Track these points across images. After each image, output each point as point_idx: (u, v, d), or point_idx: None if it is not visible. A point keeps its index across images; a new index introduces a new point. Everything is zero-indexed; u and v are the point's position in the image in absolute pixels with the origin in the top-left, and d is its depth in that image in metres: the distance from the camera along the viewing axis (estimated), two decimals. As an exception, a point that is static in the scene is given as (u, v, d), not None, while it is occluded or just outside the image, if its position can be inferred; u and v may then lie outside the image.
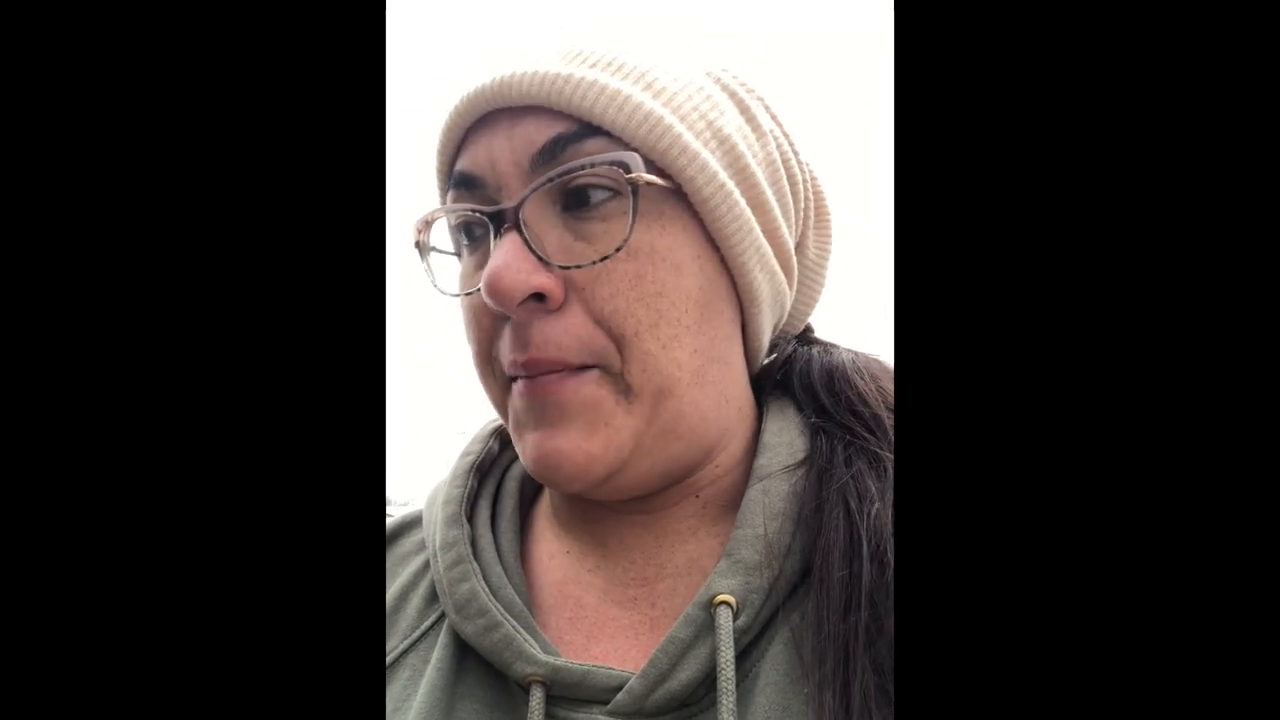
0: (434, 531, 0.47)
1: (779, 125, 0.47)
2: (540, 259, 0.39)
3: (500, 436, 0.52)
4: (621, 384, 0.40)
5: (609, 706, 0.38)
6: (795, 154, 0.47)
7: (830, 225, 0.50)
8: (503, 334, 0.41)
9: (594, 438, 0.40)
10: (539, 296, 0.39)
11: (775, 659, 0.39)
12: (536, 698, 0.39)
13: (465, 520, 0.46)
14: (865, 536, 0.39)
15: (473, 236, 0.43)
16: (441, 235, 0.47)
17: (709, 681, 0.38)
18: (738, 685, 0.38)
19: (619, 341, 0.39)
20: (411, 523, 0.53)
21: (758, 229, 0.43)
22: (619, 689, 0.39)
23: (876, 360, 0.48)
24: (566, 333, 0.39)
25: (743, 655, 0.39)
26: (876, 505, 0.39)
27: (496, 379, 0.43)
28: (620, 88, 0.40)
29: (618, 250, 0.39)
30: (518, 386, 0.41)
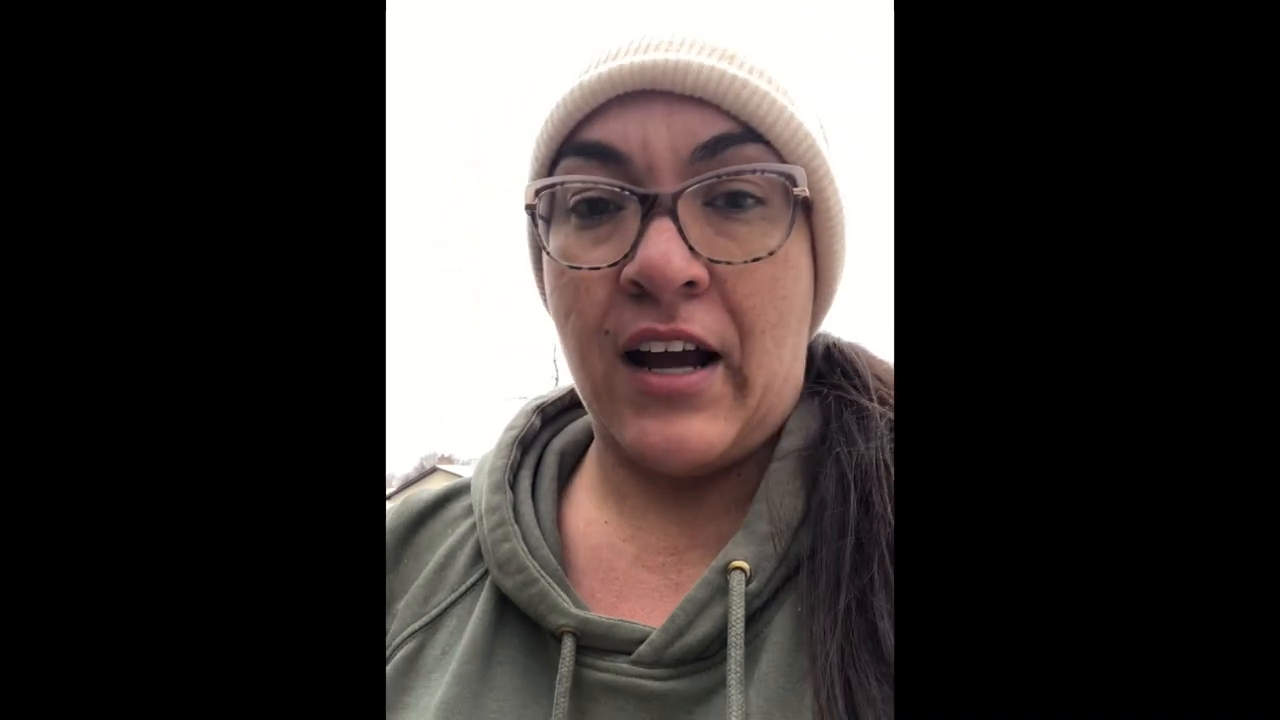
0: (480, 496, 0.52)
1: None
2: (691, 249, 0.41)
3: (542, 413, 0.57)
4: (740, 378, 0.44)
5: (632, 656, 0.43)
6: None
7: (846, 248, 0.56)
8: (618, 308, 0.43)
9: (714, 427, 0.44)
10: (689, 283, 0.42)
11: (782, 622, 0.44)
12: (568, 646, 0.44)
13: (509, 488, 0.51)
14: (852, 476, 0.44)
15: (597, 211, 0.44)
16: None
17: (722, 638, 0.43)
18: (748, 643, 0.43)
19: (746, 335, 0.43)
20: (460, 489, 0.58)
21: (846, 245, 0.48)
22: (641, 641, 0.44)
23: (868, 350, 0.54)
24: (707, 315, 0.42)
25: (754, 617, 0.44)
26: (859, 448, 0.45)
27: (604, 351, 0.44)
28: (781, 101, 0.43)
29: (770, 254, 0.42)
30: (646, 375, 0.43)
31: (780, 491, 0.46)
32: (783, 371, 0.46)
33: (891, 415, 0.47)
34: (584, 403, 0.49)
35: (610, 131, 0.43)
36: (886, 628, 0.39)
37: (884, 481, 0.44)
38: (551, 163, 0.46)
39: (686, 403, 0.43)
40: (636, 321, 0.42)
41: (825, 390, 0.50)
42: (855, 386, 0.49)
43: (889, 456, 0.45)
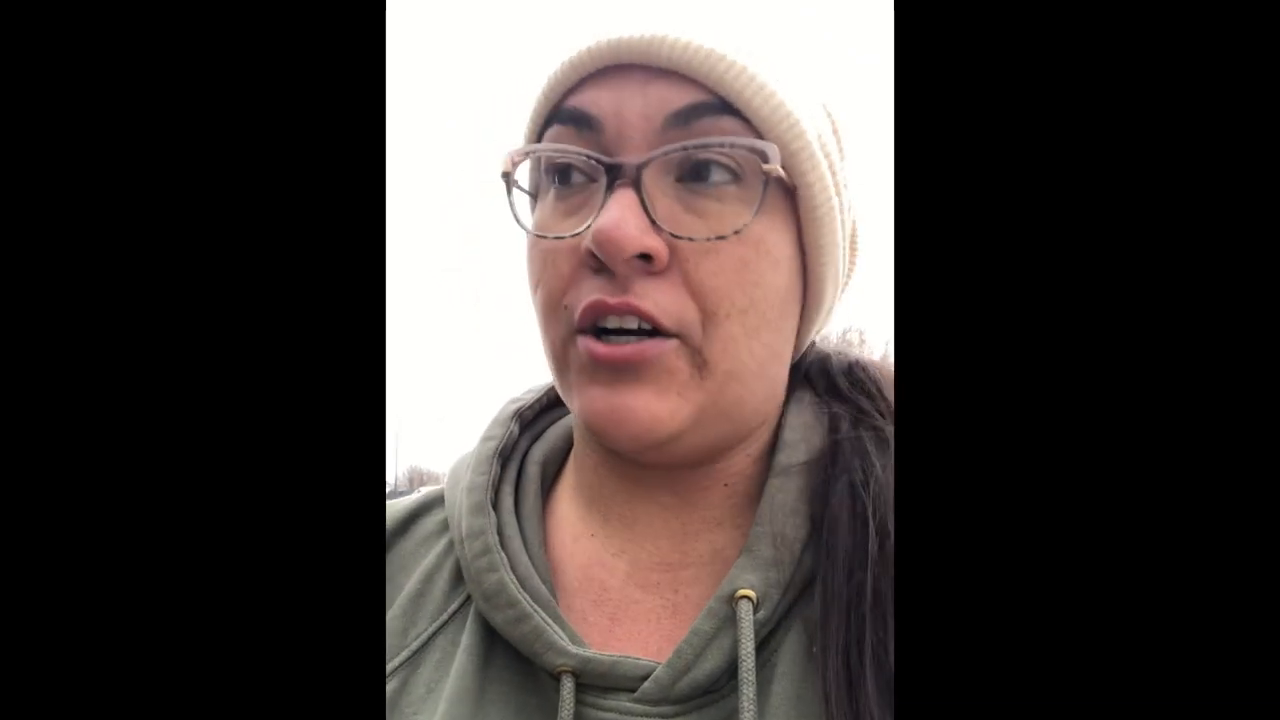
0: (459, 517, 0.48)
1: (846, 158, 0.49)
2: (652, 221, 0.40)
3: (520, 419, 0.53)
4: (699, 359, 0.41)
5: (636, 694, 0.40)
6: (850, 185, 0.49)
7: (858, 255, 0.52)
8: (580, 282, 0.41)
9: (663, 402, 0.41)
10: (645, 257, 0.40)
11: (792, 647, 0.41)
12: (567, 688, 0.41)
13: (491, 508, 0.47)
14: (869, 508, 0.41)
15: (568, 181, 0.43)
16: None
17: (730, 670, 0.40)
18: (758, 673, 0.40)
19: (709, 318, 0.40)
20: (433, 503, 0.54)
21: (841, 242, 0.45)
22: (644, 677, 0.40)
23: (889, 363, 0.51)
24: (665, 293, 0.40)
25: (762, 645, 0.41)
26: (877, 475, 0.42)
27: (562, 326, 0.43)
28: (766, 80, 0.41)
29: (736, 233, 0.40)
30: (592, 343, 0.41)
31: (784, 511, 0.43)
32: (754, 364, 0.42)
33: None
34: (554, 380, 0.46)
35: (588, 100, 0.42)
36: None
37: None
38: (539, 135, 0.44)
39: (633, 372, 0.40)
40: (591, 294, 0.41)
41: (836, 406, 0.47)
42: (879, 410, 0.46)
43: None
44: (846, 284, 0.52)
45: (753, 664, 0.39)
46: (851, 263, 0.52)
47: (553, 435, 0.53)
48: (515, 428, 0.52)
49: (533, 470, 0.51)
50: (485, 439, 0.51)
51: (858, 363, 0.50)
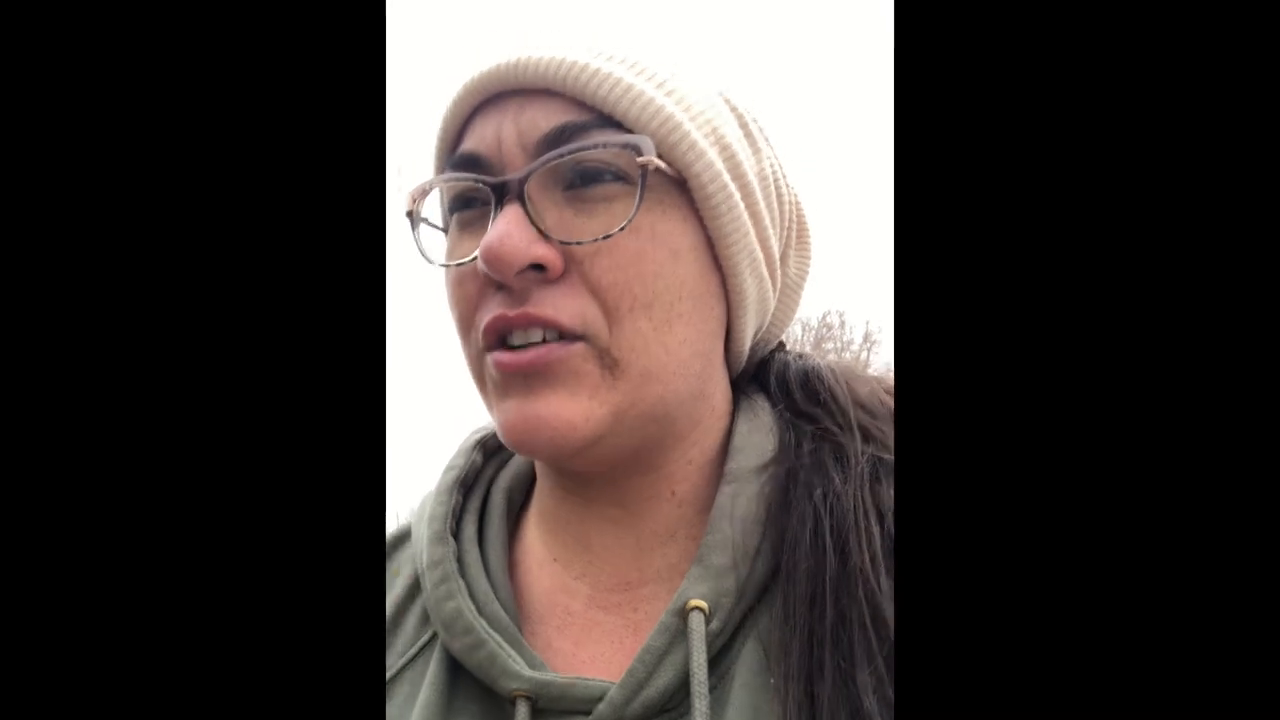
0: (421, 549, 0.48)
1: (771, 148, 0.49)
2: (541, 232, 0.40)
3: (484, 448, 0.53)
4: (608, 359, 0.41)
5: (591, 717, 0.40)
6: (783, 176, 0.49)
7: (810, 247, 0.52)
8: (484, 302, 0.42)
9: (575, 407, 0.40)
10: (538, 268, 0.40)
11: (748, 659, 0.40)
12: (522, 712, 0.40)
13: (451, 537, 0.47)
14: (828, 528, 0.40)
15: (468, 208, 0.44)
16: (432, 212, 0.48)
17: (686, 687, 0.39)
18: (714, 688, 0.39)
19: (612, 315, 0.40)
20: (402, 538, 0.54)
21: (752, 232, 0.44)
22: (600, 698, 0.40)
23: (854, 366, 0.50)
24: (564, 298, 0.40)
25: (718, 658, 0.41)
26: (838, 495, 0.41)
27: (474, 347, 0.43)
28: (634, 82, 0.41)
29: (621, 229, 0.40)
30: (498, 354, 0.41)
31: (734, 518, 0.42)
32: (671, 362, 0.42)
33: (874, 451, 0.43)
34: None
35: (473, 140, 0.43)
36: (872, 707, 0.35)
37: (863, 529, 0.40)
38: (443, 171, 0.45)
39: (542, 379, 0.40)
40: (495, 309, 0.41)
41: (792, 419, 0.46)
42: (837, 422, 0.45)
43: (868, 497, 0.41)
44: (797, 276, 0.51)
45: (704, 676, 0.39)
46: (796, 251, 0.51)
47: (518, 462, 0.53)
48: (478, 457, 0.52)
49: (498, 498, 0.51)
50: (447, 469, 0.51)
51: (814, 371, 0.49)
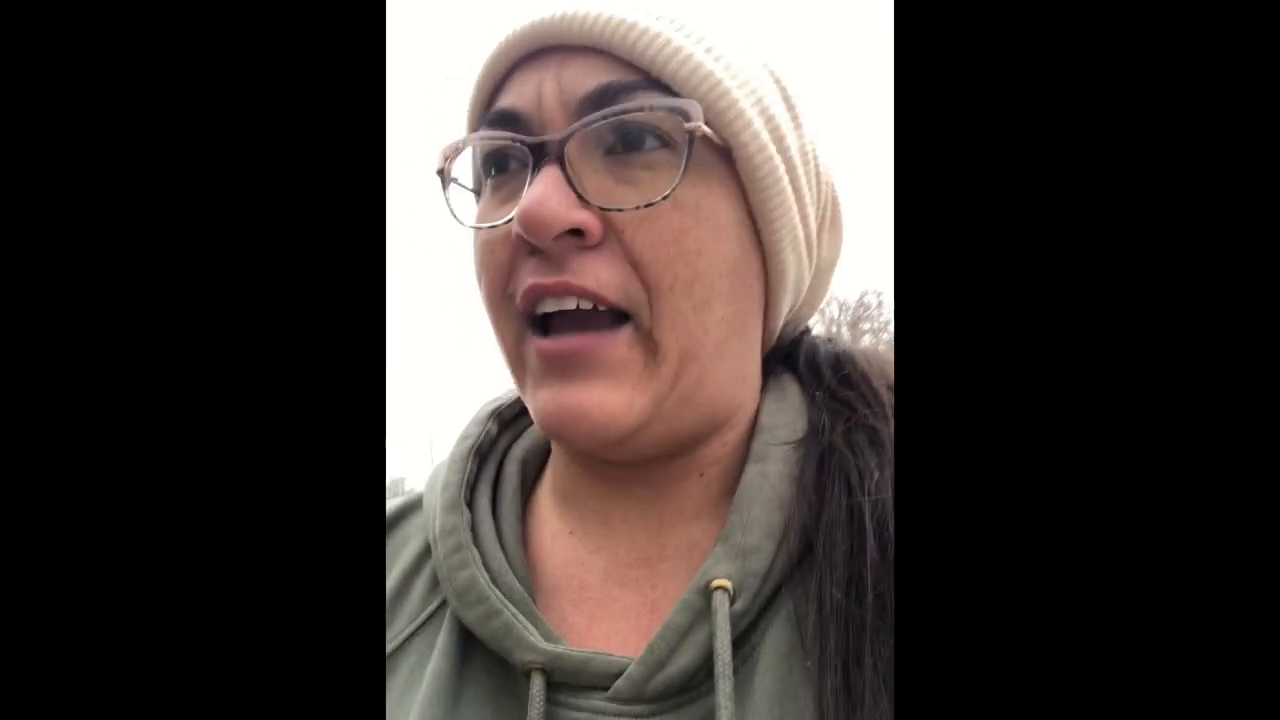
0: (434, 517, 0.47)
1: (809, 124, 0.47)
2: (580, 197, 0.38)
3: (499, 418, 0.52)
4: (650, 343, 0.39)
5: (609, 693, 0.39)
6: (820, 157, 0.47)
7: (842, 229, 0.50)
8: (519, 268, 0.40)
9: (618, 398, 0.39)
10: (576, 233, 0.38)
11: (775, 641, 0.39)
12: (537, 685, 0.39)
13: (465, 506, 0.46)
14: (868, 512, 0.39)
15: (503, 170, 0.42)
16: (462, 172, 0.46)
17: (708, 667, 0.38)
18: (737, 670, 0.38)
19: (653, 292, 0.39)
20: (412, 506, 0.53)
21: (795, 210, 0.43)
22: (619, 675, 0.39)
23: (884, 353, 0.48)
24: (604, 267, 0.39)
25: (741, 639, 0.39)
26: (876, 478, 0.40)
27: (511, 319, 0.42)
28: (683, 44, 0.39)
29: (664, 198, 0.38)
30: (539, 341, 0.40)
31: (763, 497, 0.41)
32: (709, 342, 0.40)
33: None
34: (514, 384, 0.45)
35: (512, 95, 0.41)
36: None
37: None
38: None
39: (585, 368, 0.39)
40: (532, 276, 0.39)
41: (825, 401, 0.45)
42: (869, 405, 0.44)
43: None
44: (829, 258, 0.50)
45: (729, 658, 0.37)
46: (830, 232, 0.49)
47: (533, 433, 0.52)
48: (493, 426, 0.51)
49: (512, 468, 0.50)
50: (462, 438, 0.50)
51: (845, 354, 0.47)
